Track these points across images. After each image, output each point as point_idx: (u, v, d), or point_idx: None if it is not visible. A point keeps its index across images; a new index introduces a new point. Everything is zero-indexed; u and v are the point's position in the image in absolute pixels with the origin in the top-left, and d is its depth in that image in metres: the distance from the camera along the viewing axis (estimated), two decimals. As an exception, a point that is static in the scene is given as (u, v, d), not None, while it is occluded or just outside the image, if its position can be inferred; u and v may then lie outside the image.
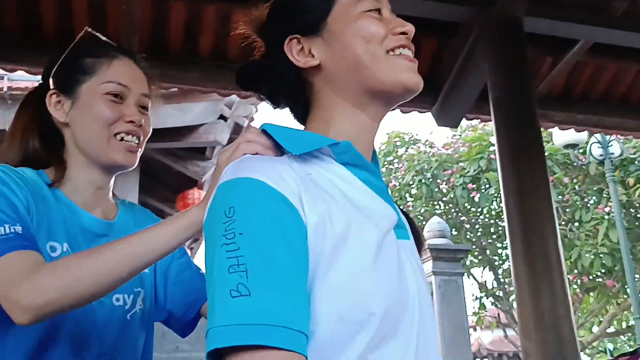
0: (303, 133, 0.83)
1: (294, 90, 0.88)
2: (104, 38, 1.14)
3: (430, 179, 10.98)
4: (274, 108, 0.94)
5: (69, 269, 0.86)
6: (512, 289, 10.87)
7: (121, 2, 2.94)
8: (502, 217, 10.62)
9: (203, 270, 1.18)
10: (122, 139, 1.08)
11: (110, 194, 1.16)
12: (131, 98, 1.10)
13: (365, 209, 0.77)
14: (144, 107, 1.14)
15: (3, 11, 3.06)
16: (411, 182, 11.27)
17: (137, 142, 1.11)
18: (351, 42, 0.82)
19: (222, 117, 6.20)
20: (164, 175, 7.16)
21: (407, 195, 11.51)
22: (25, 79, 5.69)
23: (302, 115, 0.90)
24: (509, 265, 10.70)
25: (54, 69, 1.11)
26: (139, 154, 1.12)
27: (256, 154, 0.81)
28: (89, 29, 1.14)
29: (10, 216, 0.92)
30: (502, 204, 2.91)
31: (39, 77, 1.16)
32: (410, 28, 0.84)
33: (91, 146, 1.08)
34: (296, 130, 0.85)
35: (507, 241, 2.81)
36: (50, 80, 1.11)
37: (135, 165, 1.12)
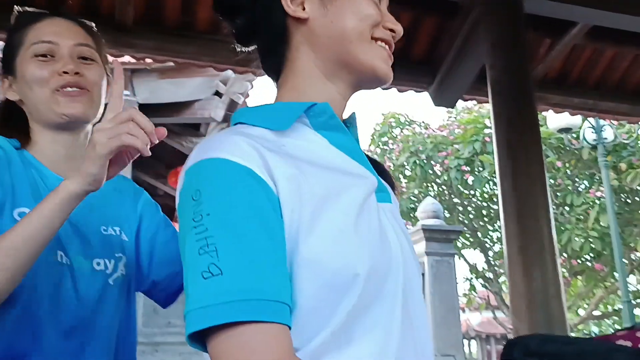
0: (279, 106, 0.83)
1: (274, 36, 0.86)
2: (30, 9, 1.13)
3: (425, 161, 11.00)
4: (243, 46, 0.92)
5: None
6: (502, 271, 10.98)
7: (117, -27, 2.89)
8: (495, 200, 10.66)
9: None
10: (61, 90, 1.06)
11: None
12: (63, 50, 1.07)
13: (343, 174, 0.77)
14: (84, 58, 1.10)
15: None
16: (405, 163, 11.30)
17: (78, 90, 1.07)
18: (346, 15, 0.82)
19: (218, 94, 6.15)
20: (158, 151, 7.12)
21: (401, 176, 11.54)
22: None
23: (275, 68, 0.88)
24: (500, 248, 10.79)
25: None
26: (88, 101, 1.08)
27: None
28: (17, 8, 1.13)
29: None
30: (497, 187, 2.92)
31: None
32: (400, 29, 0.86)
33: (38, 110, 1.07)
34: (271, 105, 0.84)
35: (501, 223, 2.82)
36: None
37: (88, 114, 1.09)
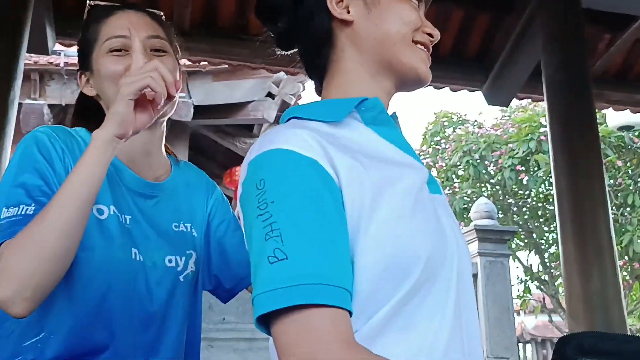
0: (331, 101, 0.86)
1: (319, 38, 0.88)
2: (103, 3, 1.14)
3: (478, 160, 10.79)
4: (283, 50, 0.95)
5: (32, 238, 0.86)
6: (558, 273, 10.66)
7: (174, -22, 2.98)
8: (551, 200, 10.35)
9: None
10: None
11: (162, 155, 1.15)
12: (136, 44, 1.05)
13: (396, 164, 0.79)
14: (157, 50, 1.10)
15: (61, -12, 3.15)
16: (458, 163, 11.11)
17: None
18: (390, 18, 0.85)
19: (270, 95, 6.24)
20: (212, 151, 7.28)
21: (453, 176, 11.37)
22: (80, 55, 5.84)
23: (319, 70, 0.91)
24: (556, 249, 10.48)
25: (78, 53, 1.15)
26: (162, 95, 1.06)
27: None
28: (90, 2, 1.15)
29: (30, 193, 0.94)
30: (552, 186, 2.85)
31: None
32: (437, 34, 0.90)
33: None
34: (323, 102, 0.88)
35: (557, 223, 2.75)
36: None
37: (167, 110, 1.07)
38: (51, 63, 6.00)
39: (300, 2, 0.89)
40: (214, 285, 1.18)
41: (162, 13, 1.17)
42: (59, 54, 5.91)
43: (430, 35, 0.89)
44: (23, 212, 0.91)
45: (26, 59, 2.64)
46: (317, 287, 0.63)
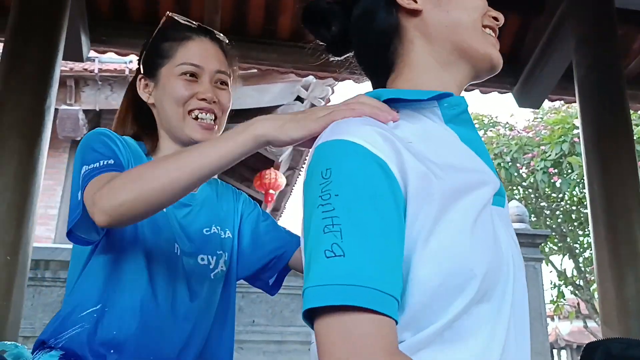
0: (413, 90, 0.82)
1: (385, 33, 0.85)
2: (182, 20, 1.20)
3: (510, 163, 10.65)
4: (337, 55, 0.92)
5: (142, 175, 0.92)
6: (593, 278, 10.43)
7: (204, -15, 3.03)
8: (585, 203, 10.16)
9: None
10: (196, 117, 1.15)
11: None
12: (205, 76, 1.16)
13: (470, 173, 0.76)
14: (222, 83, 1.19)
15: (96, -4, 3.23)
16: (489, 166, 10.98)
17: (212, 118, 1.16)
18: (460, 4, 0.83)
19: (299, 99, 6.27)
20: (242, 155, 7.33)
21: (484, 179, 11.23)
22: (114, 61, 5.98)
23: (383, 67, 0.86)
24: (591, 254, 10.26)
25: (142, 56, 1.21)
26: (217, 130, 1.17)
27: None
28: (170, 14, 1.21)
29: (105, 155, 1.02)
30: (585, 189, 2.80)
31: (127, 58, 1.23)
32: (501, 17, 0.87)
33: (170, 124, 1.16)
34: (405, 89, 0.83)
35: (590, 227, 2.71)
36: (140, 66, 1.21)
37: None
38: (86, 69, 6.14)
39: (356, 1, 0.87)
40: (251, 272, 1.25)
41: (227, 41, 1.25)
42: (94, 60, 6.04)
43: (495, 19, 0.86)
44: (103, 164, 0.99)
45: (62, 65, 2.72)
46: (369, 291, 0.62)
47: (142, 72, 1.20)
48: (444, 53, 0.83)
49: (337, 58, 0.93)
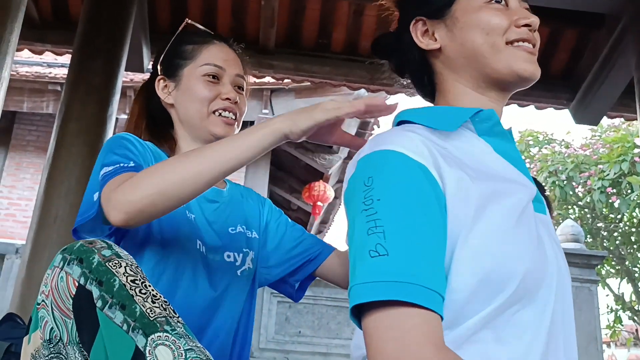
0: (446, 108, 0.87)
1: (417, 69, 0.93)
2: (201, 27, 1.25)
3: (565, 181, 10.36)
4: (402, 78, 0.99)
5: (161, 171, 0.93)
6: (653, 303, 9.99)
7: (261, -1, 3.11)
8: (645, 224, 9.72)
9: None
10: (219, 115, 1.18)
11: None
12: (226, 78, 1.20)
13: (505, 180, 0.79)
14: (240, 87, 1.23)
15: (156, 10, 3.35)
16: (544, 184, 10.72)
17: (233, 117, 1.20)
18: (471, 32, 0.85)
19: (350, 112, 6.28)
20: (292, 167, 7.42)
21: (538, 197, 10.96)
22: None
23: (429, 94, 0.94)
24: (652, 278, 9.83)
25: (161, 58, 1.24)
26: (236, 128, 1.21)
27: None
28: (189, 21, 1.26)
29: (126, 157, 1.02)
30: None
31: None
32: (534, 20, 0.86)
33: (193, 123, 1.19)
34: (437, 108, 0.89)
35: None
36: (158, 67, 1.24)
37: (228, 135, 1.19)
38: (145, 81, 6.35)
39: (399, 42, 0.94)
40: (277, 277, 1.26)
41: (247, 57, 1.30)
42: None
43: (527, 25, 0.85)
44: (122, 166, 0.99)
45: (123, 76, 2.83)
46: (414, 287, 0.64)
47: (160, 73, 1.23)
48: (472, 80, 0.87)
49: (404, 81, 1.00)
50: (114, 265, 0.83)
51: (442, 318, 0.66)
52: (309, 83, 4.01)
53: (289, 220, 1.31)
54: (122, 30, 2.77)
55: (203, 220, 1.15)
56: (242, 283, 1.18)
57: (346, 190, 0.78)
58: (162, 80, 1.23)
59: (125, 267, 0.84)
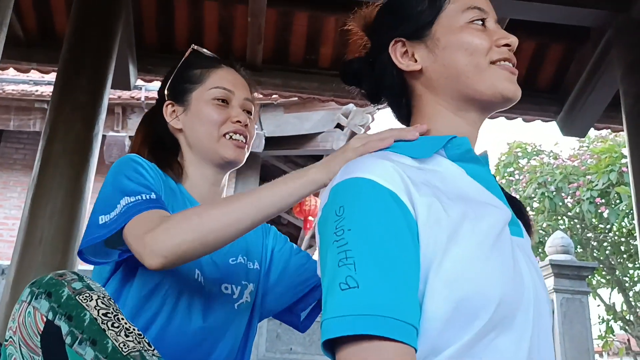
0: (420, 138, 0.86)
1: (396, 92, 0.91)
2: (208, 52, 1.25)
3: (554, 192, 10.41)
4: (373, 104, 0.98)
5: (200, 216, 0.92)
6: (644, 313, 10.02)
7: (247, 15, 3.11)
8: (635, 235, 9.83)
9: None
10: (230, 138, 1.18)
11: (224, 192, 1.25)
12: (235, 101, 1.20)
13: (478, 203, 0.78)
14: (248, 112, 1.23)
15: (142, 27, 3.34)
16: (533, 195, 10.76)
17: (244, 140, 1.19)
18: (454, 53, 0.84)
19: (339, 126, 6.31)
20: (282, 182, 7.39)
21: (528, 208, 11.00)
22: (160, 90, 6.14)
23: (405, 117, 0.93)
24: (642, 287, 9.86)
25: (168, 83, 1.23)
26: (246, 151, 1.20)
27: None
28: (195, 47, 1.26)
29: (145, 187, 1.02)
30: (635, 221, 2.71)
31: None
32: (513, 40, 0.86)
33: (203, 146, 1.18)
34: (407, 145, 0.86)
35: (640, 260, 2.61)
36: (165, 93, 1.23)
37: (243, 162, 1.20)
38: (133, 97, 6.34)
39: (373, 64, 0.92)
40: (282, 306, 1.24)
41: (254, 83, 1.30)
42: (140, 88, 6.24)
43: (507, 45, 0.85)
44: (145, 198, 0.98)
45: (110, 94, 2.81)
46: (385, 319, 0.63)
47: (168, 98, 1.22)
48: (452, 102, 0.86)
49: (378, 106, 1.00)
50: (84, 299, 0.81)
51: (416, 350, 0.65)
52: (297, 98, 4.01)
53: (294, 246, 1.29)
54: (108, 48, 2.75)
55: None
56: (240, 316, 1.16)
57: (319, 220, 0.77)
58: (170, 105, 1.22)
59: (96, 299, 0.81)
